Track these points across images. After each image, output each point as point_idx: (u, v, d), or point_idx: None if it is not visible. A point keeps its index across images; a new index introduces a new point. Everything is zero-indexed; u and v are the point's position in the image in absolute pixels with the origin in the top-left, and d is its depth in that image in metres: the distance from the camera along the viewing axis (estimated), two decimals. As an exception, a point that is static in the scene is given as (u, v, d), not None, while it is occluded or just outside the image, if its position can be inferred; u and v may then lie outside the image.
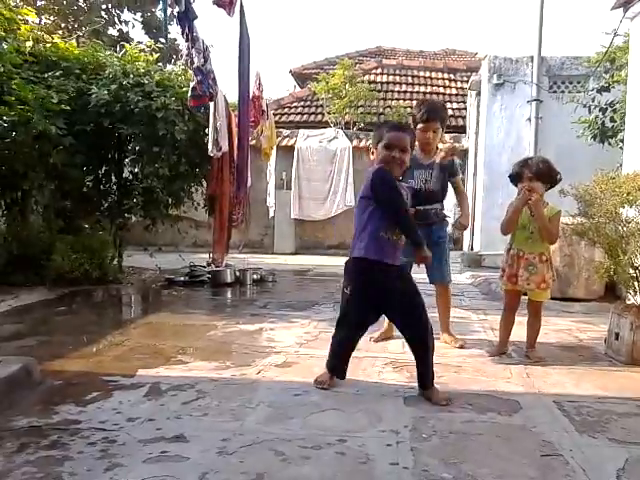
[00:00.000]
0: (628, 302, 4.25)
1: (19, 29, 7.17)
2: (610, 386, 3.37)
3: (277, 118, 13.53)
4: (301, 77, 18.29)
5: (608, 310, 4.31)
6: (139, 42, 10.02)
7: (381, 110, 14.21)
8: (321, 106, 14.46)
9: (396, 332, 4.73)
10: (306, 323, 5.04)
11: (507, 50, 22.90)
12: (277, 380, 3.37)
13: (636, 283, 3.94)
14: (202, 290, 7.20)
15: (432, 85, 15.83)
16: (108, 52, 7.74)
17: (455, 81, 15.97)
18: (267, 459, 2.34)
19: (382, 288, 3.16)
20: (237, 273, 7.70)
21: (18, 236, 6.85)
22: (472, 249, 11.05)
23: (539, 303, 4.02)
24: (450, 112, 14.54)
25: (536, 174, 3.79)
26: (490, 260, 9.48)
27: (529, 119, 10.02)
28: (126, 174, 7.88)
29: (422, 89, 15.59)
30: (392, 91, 15.47)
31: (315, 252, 12.69)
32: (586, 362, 3.91)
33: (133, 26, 17.12)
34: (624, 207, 3.90)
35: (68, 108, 6.35)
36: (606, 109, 7.84)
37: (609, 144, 7.82)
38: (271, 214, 13.08)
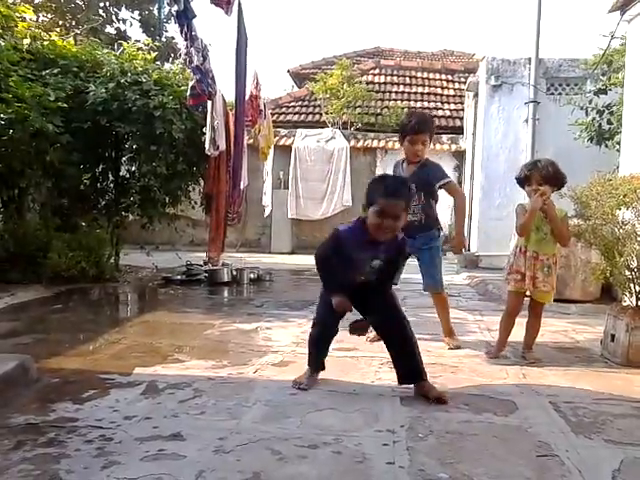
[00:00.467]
0: (624, 304, 4.26)
1: (16, 26, 7.17)
2: (606, 387, 3.37)
3: (275, 118, 13.54)
4: (299, 77, 18.31)
5: (604, 312, 4.32)
6: (137, 40, 10.02)
7: (379, 111, 14.23)
8: (319, 106, 14.46)
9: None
10: (303, 322, 5.04)
11: (505, 52, 22.92)
12: (274, 379, 3.37)
13: (632, 285, 3.95)
14: (199, 289, 7.20)
15: (430, 86, 15.85)
16: (106, 50, 7.74)
17: (453, 82, 15.99)
18: (264, 458, 2.34)
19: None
20: (234, 272, 7.70)
21: (15, 234, 6.84)
22: (469, 250, 11.07)
23: (542, 305, 4.02)
24: (447, 113, 14.61)
25: (545, 178, 3.79)
26: (487, 261, 9.51)
27: (526, 121, 10.04)
28: (123, 172, 7.88)
29: (420, 90, 15.60)
30: (390, 92, 15.48)
31: (312, 252, 12.53)
32: (582, 363, 3.92)
33: (131, 24, 17.11)
34: (620, 209, 3.90)
35: (65, 106, 6.35)
36: (603, 111, 7.86)
37: (606, 146, 7.84)
38: (266, 213, 13.08)
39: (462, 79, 15.19)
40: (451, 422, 2.77)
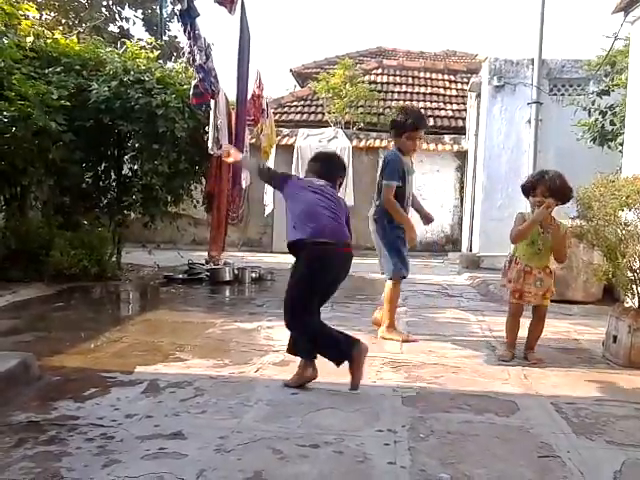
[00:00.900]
0: (626, 305, 4.26)
1: (20, 24, 7.16)
2: (608, 388, 3.37)
3: (277, 117, 13.52)
4: (301, 76, 18.28)
5: (606, 313, 4.33)
6: (140, 39, 10.02)
7: (381, 110, 14.20)
8: (321, 105, 14.44)
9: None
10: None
11: (508, 52, 22.90)
12: (275, 378, 3.38)
13: (634, 286, 3.95)
14: (200, 288, 7.20)
15: (432, 86, 15.82)
16: (109, 49, 7.73)
17: (455, 82, 15.96)
18: (265, 457, 2.34)
19: None
20: (236, 271, 7.69)
21: (17, 231, 6.84)
22: (470, 250, 11.06)
23: (545, 308, 4.03)
24: (450, 113, 14.58)
25: (551, 189, 3.77)
26: (488, 261, 9.49)
27: (529, 121, 10.02)
28: (125, 171, 7.88)
29: (422, 90, 15.58)
30: (392, 91, 15.45)
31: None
32: (584, 364, 3.92)
33: (134, 23, 17.13)
34: (623, 210, 3.90)
35: (68, 104, 6.35)
36: (606, 112, 7.85)
37: (609, 147, 7.83)
38: (267, 212, 13.07)
39: (465, 79, 15.15)
40: (452, 422, 2.77)
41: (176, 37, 16.23)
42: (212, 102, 7.09)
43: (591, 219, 3.99)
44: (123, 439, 2.47)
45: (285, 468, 2.25)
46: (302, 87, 17.32)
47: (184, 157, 7.65)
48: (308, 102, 15.25)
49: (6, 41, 6.39)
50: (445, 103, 15.06)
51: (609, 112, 7.80)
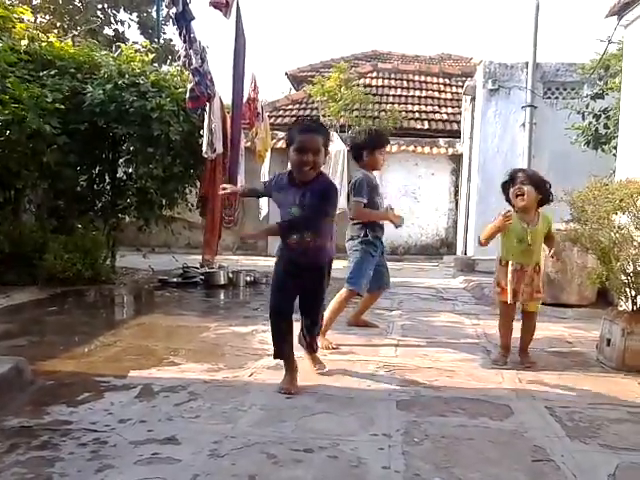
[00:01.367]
0: (620, 308, 4.27)
1: (14, 27, 7.16)
2: (602, 392, 3.37)
3: (272, 120, 13.53)
4: (296, 79, 18.31)
5: (600, 316, 4.33)
6: (135, 42, 10.02)
7: (376, 114, 14.22)
8: (316, 109, 14.46)
9: (389, 336, 4.75)
10: (298, 326, 5.02)
11: (502, 56, 22.98)
12: (269, 382, 3.37)
13: (628, 290, 3.95)
14: (195, 291, 7.19)
15: (427, 89, 15.88)
16: (104, 52, 7.73)
17: (450, 86, 16.02)
18: (259, 462, 2.34)
19: None
20: (230, 275, 7.69)
21: (10, 235, 6.81)
22: (465, 254, 11.08)
23: (535, 309, 4.00)
24: (445, 117, 14.64)
25: (530, 177, 3.79)
26: (483, 265, 9.51)
27: (523, 124, 10.08)
28: (120, 174, 7.87)
29: (417, 93, 15.63)
30: (387, 95, 15.51)
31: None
32: (578, 368, 3.92)
33: (129, 26, 17.14)
34: (617, 214, 3.91)
35: (62, 107, 6.34)
36: (600, 116, 7.89)
37: (602, 150, 7.87)
38: (262, 216, 13.05)
39: (459, 83, 15.21)
40: (447, 426, 2.76)
41: (171, 40, 16.25)
42: (207, 105, 7.09)
43: (585, 222, 3.99)
44: (116, 444, 2.45)
45: (279, 473, 2.25)
46: (297, 90, 17.36)
47: (179, 160, 7.65)
48: (303, 105, 15.28)
49: (1, 44, 6.38)
50: (440, 106, 15.12)
51: (603, 115, 7.84)
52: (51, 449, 2.39)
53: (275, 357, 3.48)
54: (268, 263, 10.72)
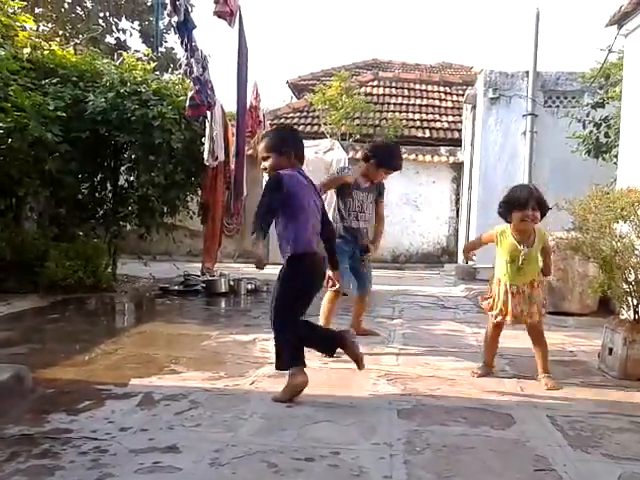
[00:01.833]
0: (621, 317, 4.26)
1: (17, 36, 7.20)
2: (604, 401, 3.36)
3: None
4: (298, 88, 18.36)
5: (601, 325, 4.32)
6: (136, 50, 10.06)
7: (377, 122, 14.26)
8: (317, 117, 14.49)
9: (390, 345, 4.75)
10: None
11: (503, 64, 23.04)
12: (270, 391, 3.35)
13: (630, 298, 3.94)
14: (196, 299, 7.18)
15: (428, 98, 15.91)
16: (105, 60, 7.77)
17: (451, 94, 16.05)
18: (259, 470, 2.33)
19: None
20: (231, 283, 7.68)
21: (12, 242, 6.82)
22: (466, 262, 11.06)
23: (540, 325, 3.90)
24: (445, 125, 14.67)
25: (538, 203, 3.60)
26: (484, 273, 9.48)
27: (524, 133, 10.08)
28: (121, 182, 7.88)
29: (418, 102, 15.66)
30: (388, 103, 15.54)
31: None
32: (580, 377, 3.91)
33: (130, 34, 17.18)
34: (618, 222, 3.91)
35: (64, 115, 6.36)
36: (600, 124, 7.90)
37: (603, 159, 7.87)
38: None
39: (460, 91, 15.24)
40: (448, 435, 2.75)
41: (173, 49, 16.33)
42: (208, 114, 7.11)
43: (586, 231, 3.99)
44: (117, 453, 2.45)
45: (280, 482, 2.24)
46: (298, 98, 17.39)
47: (180, 168, 7.66)
48: (304, 113, 15.31)
49: (3, 53, 6.41)
50: (441, 115, 15.15)
51: (604, 124, 7.85)
52: (51, 457, 2.39)
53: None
54: (269, 271, 10.70)
